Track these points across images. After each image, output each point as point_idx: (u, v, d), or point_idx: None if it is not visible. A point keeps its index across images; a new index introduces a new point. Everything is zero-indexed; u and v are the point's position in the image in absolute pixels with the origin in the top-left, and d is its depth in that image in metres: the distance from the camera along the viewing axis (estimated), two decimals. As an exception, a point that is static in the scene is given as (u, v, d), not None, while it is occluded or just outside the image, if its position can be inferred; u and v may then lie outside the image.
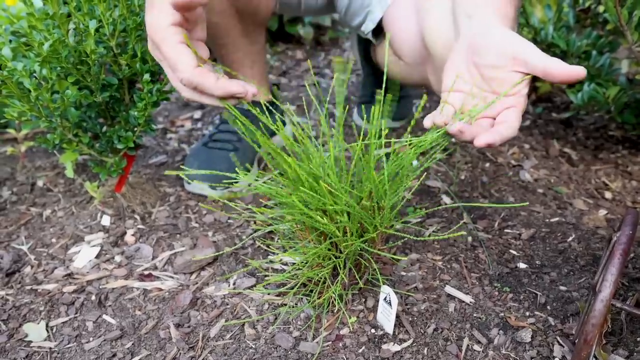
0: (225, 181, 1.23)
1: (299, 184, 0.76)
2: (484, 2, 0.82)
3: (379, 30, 1.26)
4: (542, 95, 1.87)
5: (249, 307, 0.94)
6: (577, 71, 0.70)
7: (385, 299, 0.85)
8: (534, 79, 0.76)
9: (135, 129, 1.11)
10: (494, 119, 0.78)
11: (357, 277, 0.88)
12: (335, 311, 0.91)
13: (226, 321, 0.91)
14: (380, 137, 0.81)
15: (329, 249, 0.85)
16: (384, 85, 0.87)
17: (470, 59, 0.79)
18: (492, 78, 0.78)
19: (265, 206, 0.87)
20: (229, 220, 1.18)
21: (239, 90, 0.82)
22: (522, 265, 1.03)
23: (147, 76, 1.03)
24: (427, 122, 0.82)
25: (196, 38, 0.84)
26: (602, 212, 1.21)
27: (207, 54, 0.85)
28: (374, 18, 1.22)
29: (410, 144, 0.80)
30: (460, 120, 0.76)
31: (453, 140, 0.81)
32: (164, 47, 0.78)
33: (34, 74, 0.95)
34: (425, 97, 0.85)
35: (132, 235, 1.13)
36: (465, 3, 0.83)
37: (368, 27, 1.24)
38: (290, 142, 0.81)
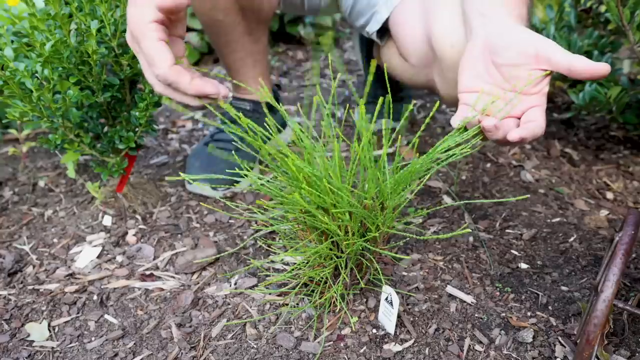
0: (226, 183, 1.23)
1: (300, 183, 0.76)
2: (498, 1, 0.81)
3: (383, 31, 1.26)
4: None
5: (251, 307, 0.94)
6: (602, 67, 0.70)
7: (386, 299, 0.85)
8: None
9: (137, 129, 1.11)
10: (519, 118, 0.78)
11: (358, 277, 0.88)
12: (336, 311, 0.91)
13: (228, 321, 0.91)
14: (386, 137, 0.80)
15: (331, 249, 0.85)
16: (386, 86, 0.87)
17: (488, 58, 0.79)
18: (514, 77, 0.77)
19: (265, 209, 0.87)
20: (230, 221, 1.18)
21: (212, 91, 0.84)
22: (523, 266, 1.03)
23: (148, 76, 1.03)
24: (456, 121, 0.81)
25: (176, 35, 0.86)
26: (604, 212, 1.21)
27: (184, 51, 0.87)
28: (379, 19, 1.21)
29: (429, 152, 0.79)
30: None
31: (477, 142, 0.81)
32: (144, 42, 0.80)
33: (36, 75, 0.95)
34: (436, 104, 0.85)
35: (134, 235, 1.13)
36: (478, 2, 0.83)
37: (373, 27, 1.24)
38: (297, 138, 0.81)
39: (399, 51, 1.18)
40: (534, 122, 0.75)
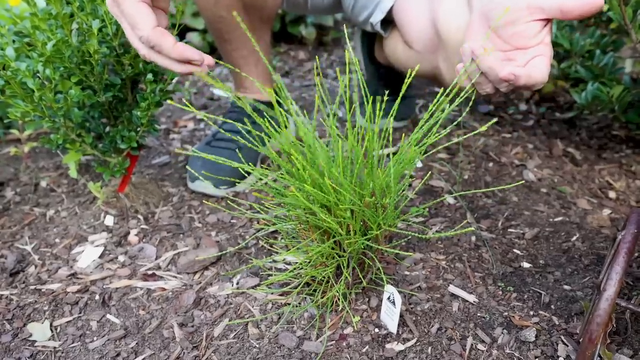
0: (228, 182, 1.23)
1: (305, 181, 0.76)
2: None
3: (387, 23, 1.26)
4: (545, 95, 1.87)
5: (253, 306, 0.94)
6: (594, 2, 0.69)
7: (389, 298, 0.85)
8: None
9: (139, 129, 1.11)
10: None
11: (360, 276, 0.88)
12: (338, 310, 0.91)
13: (230, 320, 0.91)
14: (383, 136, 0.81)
15: (333, 248, 0.85)
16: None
17: (485, 27, 0.79)
18: (512, 35, 0.77)
19: (267, 208, 0.87)
20: (232, 220, 1.18)
21: (195, 56, 0.83)
22: (525, 265, 1.03)
23: (150, 76, 1.04)
24: (459, 68, 0.82)
25: (159, 7, 0.86)
26: (606, 211, 1.21)
27: (167, 24, 0.87)
28: (383, 7, 1.21)
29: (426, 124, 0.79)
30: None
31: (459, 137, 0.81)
32: (125, 4, 0.79)
33: (37, 74, 0.95)
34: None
35: (136, 235, 1.13)
36: None
37: (377, 17, 1.24)
38: (305, 133, 0.80)
39: (404, 38, 1.18)
40: (536, 68, 0.75)
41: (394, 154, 0.84)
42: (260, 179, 1.21)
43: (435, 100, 0.82)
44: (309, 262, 0.88)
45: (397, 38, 1.22)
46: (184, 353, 0.85)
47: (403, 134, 1.09)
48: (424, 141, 0.81)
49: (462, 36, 0.92)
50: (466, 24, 0.90)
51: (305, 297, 0.94)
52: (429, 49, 1.10)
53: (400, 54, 1.23)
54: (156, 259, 1.07)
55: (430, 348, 0.84)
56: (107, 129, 1.14)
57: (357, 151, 0.79)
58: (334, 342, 0.85)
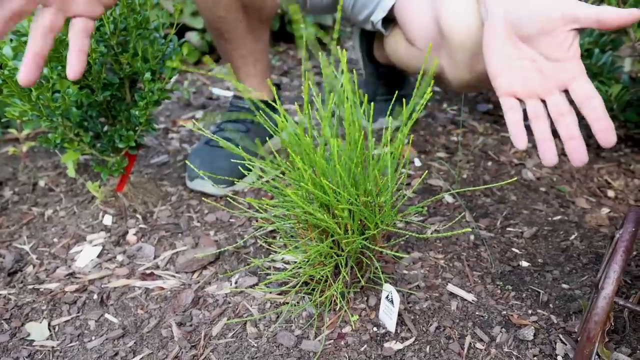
0: (227, 181, 1.23)
1: (306, 182, 0.76)
2: None
3: (387, 22, 1.25)
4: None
5: (251, 305, 0.94)
6: (634, 13, 0.68)
7: (387, 297, 0.85)
8: None
9: (137, 128, 1.11)
10: (565, 91, 0.77)
11: (358, 275, 0.88)
12: (337, 309, 0.91)
13: (228, 320, 0.91)
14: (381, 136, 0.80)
15: (331, 247, 0.85)
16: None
17: (512, 34, 0.77)
18: (545, 45, 0.75)
19: (267, 208, 0.87)
20: (231, 219, 1.18)
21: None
22: (524, 264, 1.03)
23: (148, 75, 1.03)
24: (520, 141, 0.82)
25: (73, 11, 0.77)
26: (605, 210, 1.21)
27: (87, 31, 0.79)
28: (385, 6, 1.21)
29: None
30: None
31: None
32: None
33: (35, 73, 0.95)
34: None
35: (134, 234, 1.13)
36: None
37: (379, 15, 1.23)
38: (303, 133, 0.81)
39: (406, 36, 1.17)
40: (591, 105, 0.74)
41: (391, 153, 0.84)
42: (260, 177, 1.21)
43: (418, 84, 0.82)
44: (308, 262, 0.88)
45: (399, 36, 1.22)
46: (182, 352, 0.85)
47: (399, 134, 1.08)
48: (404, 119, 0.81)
49: (467, 33, 0.92)
50: (469, 21, 0.89)
51: (304, 297, 0.94)
52: (431, 47, 1.09)
53: (402, 52, 1.22)
54: (154, 258, 1.07)
55: (428, 347, 0.84)
56: (105, 128, 1.14)
57: (348, 150, 0.79)
58: (332, 341, 0.85)
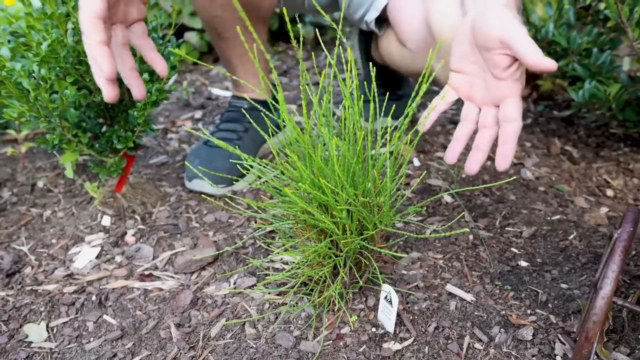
0: (226, 181, 1.23)
1: (304, 181, 0.76)
2: None
3: (382, 22, 1.26)
4: (543, 93, 1.87)
5: (250, 306, 0.93)
6: (547, 64, 0.71)
7: (386, 297, 0.85)
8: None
9: (135, 128, 1.11)
10: (497, 106, 0.81)
11: (357, 275, 0.88)
12: (335, 310, 0.91)
13: (227, 321, 0.91)
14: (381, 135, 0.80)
15: (329, 248, 0.85)
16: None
17: (471, 38, 0.80)
18: (487, 60, 0.79)
19: (265, 209, 0.87)
20: (230, 220, 1.18)
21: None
22: (523, 264, 1.03)
23: (146, 75, 1.03)
24: (427, 124, 0.85)
25: (132, 19, 0.88)
26: (604, 209, 1.21)
27: (144, 14, 0.91)
28: (378, 5, 1.21)
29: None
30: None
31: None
32: (81, 12, 0.78)
33: (33, 74, 0.95)
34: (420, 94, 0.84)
35: (133, 235, 1.13)
36: None
37: (372, 15, 1.24)
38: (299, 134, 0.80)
39: (398, 37, 1.18)
40: (508, 127, 0.78)
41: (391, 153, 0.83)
42: (260, 177, 1.21)
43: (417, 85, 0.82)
44: (306, 262, 0.88)
45: (392, 37, 1.22)
46: (180, 354, 0.84)
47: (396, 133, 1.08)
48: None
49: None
50: (458, 25, 0.90)
51: (303, 297, 0.94)
52: (422, 48, 1.10)
53: (394, 52, 1.23)
54: (153, 259, 1.07)
55: (427, 347, 0.84)
56: (104, 129, 1.13)
57: (343, 150, 0.79)
58: (331, 341, 0.85)
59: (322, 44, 0.86)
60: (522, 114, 0.80)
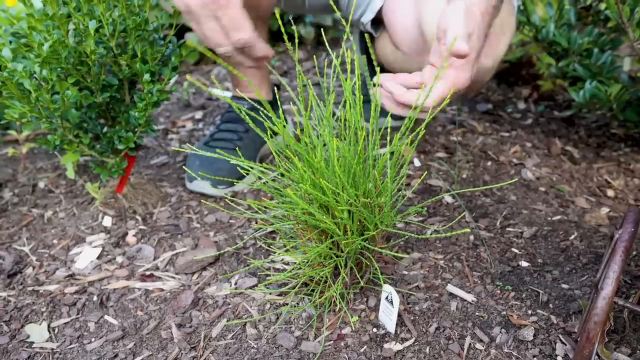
0: (226, 182, 1.23)
1: (305, 182, 0.76)
2: None
3: (378, 23, 1.26)
4: (544, 94, 1.87)
5: (251, 306, 0.94)
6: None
7: (387, 298, 0.85)
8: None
9: (136, 129, 1.11)
10: None
11: (358, 276, 0.88)
12: (336, 310, 0.91)
13: (228, 321, 0.91)
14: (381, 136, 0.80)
15: (330, 248, 0.85)
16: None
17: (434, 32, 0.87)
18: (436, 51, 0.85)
19: (265, 208, 0.87)
20: (231, 221, 1.18)
21: (270, 53, 0.99)
22: (524, 264, 1.03)
23: (147, 76, 1.03)
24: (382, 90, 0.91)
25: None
26: (604, 210, 1.21)
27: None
28: (373, 8, 1.21)
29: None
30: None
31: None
32: (232, 8, 0.87)
33: (34, 75, 0.95)
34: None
35: (134, 235, 1.13)
36: None
37: (368, 17, 1.24)
38: (296, 137, 0.81)
39: (392, 39, 1.18)
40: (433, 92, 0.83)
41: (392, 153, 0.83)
42: (260, 178, 1.21)
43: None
44: (307, 263, 0.88)
45: (387, 39, 1.22)
46: (182, 354, 0.85)
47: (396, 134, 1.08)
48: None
49: None
50: None
51: (303, 298, 0.94)
52: (415, 51, 1.10)
53: (389, 54, 1.23)
54: (154, 259, 1.07)
55: (428, 348, 0.84)
56: (105, 129, 1.14)
57: (344, 151, 0.79)
58: (332, 342, 0.85)
59: (326, 43, 0.86)
60: (440, 103, 0.84)
